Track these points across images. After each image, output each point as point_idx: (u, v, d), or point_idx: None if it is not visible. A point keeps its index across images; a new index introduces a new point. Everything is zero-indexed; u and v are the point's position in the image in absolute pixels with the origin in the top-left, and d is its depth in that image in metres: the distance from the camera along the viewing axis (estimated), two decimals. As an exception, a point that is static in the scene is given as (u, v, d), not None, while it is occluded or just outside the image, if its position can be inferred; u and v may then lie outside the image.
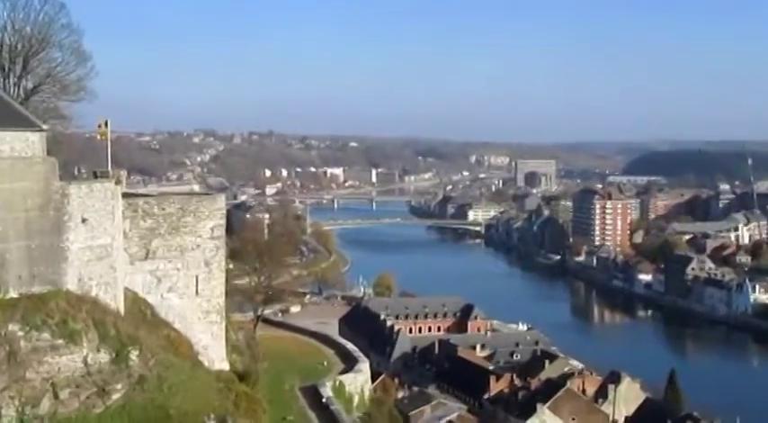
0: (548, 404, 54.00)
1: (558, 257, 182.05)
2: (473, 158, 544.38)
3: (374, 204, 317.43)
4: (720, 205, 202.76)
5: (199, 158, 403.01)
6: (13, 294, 18.11)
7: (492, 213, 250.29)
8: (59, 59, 26.10)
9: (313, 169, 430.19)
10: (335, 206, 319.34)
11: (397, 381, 65.38)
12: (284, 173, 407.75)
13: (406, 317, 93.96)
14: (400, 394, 60.76)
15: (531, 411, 53.30)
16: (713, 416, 56.66)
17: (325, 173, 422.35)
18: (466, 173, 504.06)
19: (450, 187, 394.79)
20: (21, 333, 17.28)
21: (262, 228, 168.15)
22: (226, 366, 24.28)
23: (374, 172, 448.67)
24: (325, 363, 40.05)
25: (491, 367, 70.99)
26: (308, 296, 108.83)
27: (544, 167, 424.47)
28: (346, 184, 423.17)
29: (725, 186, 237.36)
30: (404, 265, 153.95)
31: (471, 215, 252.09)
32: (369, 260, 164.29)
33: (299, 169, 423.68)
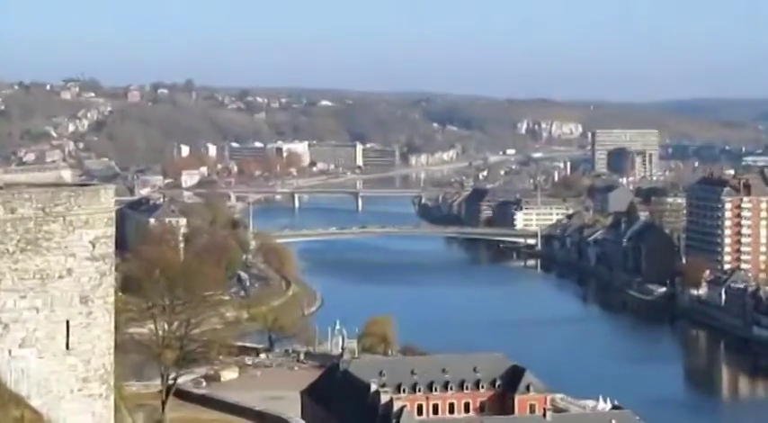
0: None
1: (664, 290, 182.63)
2: (523, 127, 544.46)
3: (360, 202, 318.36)
4: None
5: (71, 127, 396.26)
6: None
7: (554, 217, 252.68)
8: None
9: (259, 144, 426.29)
10: (296, 205, 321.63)
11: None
12: (212, 150, 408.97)
13: (414, 388, 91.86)
14: None
15: None
16: None
17: (279, 151, 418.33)
18: (511, 151, 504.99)
19: (484, 174, 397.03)
20: None
21: (175, 241, 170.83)
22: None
23: (359, 149, 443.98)
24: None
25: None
26: (251, 357, 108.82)
27: (640, 141, 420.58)
28: (315, 169, 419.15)
29: None
30: (409, 304, 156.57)
31: (520, 220, 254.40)
32: (351, 295, 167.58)
33: (235, 144, 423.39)
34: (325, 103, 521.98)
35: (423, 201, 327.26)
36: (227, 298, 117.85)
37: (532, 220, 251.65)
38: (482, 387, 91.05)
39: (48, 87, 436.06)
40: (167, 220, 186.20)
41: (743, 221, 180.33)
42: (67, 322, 23.26)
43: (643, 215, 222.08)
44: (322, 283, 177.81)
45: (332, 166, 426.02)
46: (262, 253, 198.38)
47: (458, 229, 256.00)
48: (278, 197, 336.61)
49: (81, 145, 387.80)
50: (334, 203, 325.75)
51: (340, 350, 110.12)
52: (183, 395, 58.54)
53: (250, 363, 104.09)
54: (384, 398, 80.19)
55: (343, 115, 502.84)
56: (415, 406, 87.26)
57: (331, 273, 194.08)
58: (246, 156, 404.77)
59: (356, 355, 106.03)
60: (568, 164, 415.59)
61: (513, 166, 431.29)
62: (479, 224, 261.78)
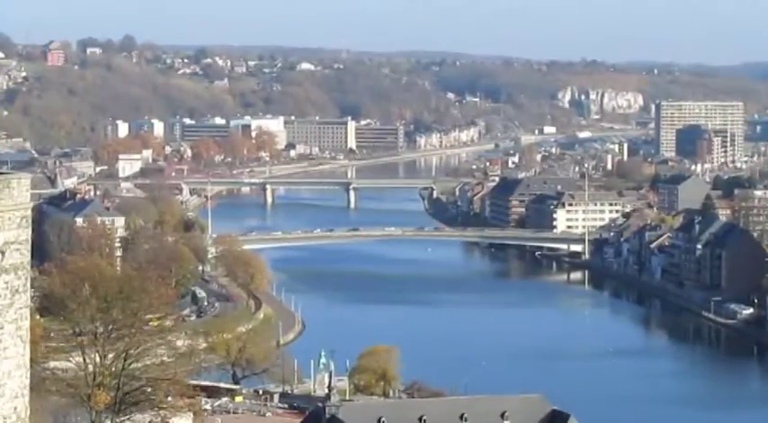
0: None
1: (750, 311, 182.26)
2: (565, 98, 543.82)
3: (352, 196, 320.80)
4: None
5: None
6: None
7: (606, 217, 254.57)
8: None
9: (220, 121, 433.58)
10: (269, 201, 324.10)
11: None
12: (158, 129, 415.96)
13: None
14: None
15: None
16: None
17: (246, 129, 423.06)
18: (550, 129, 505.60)
19: (515, 159, 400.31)
20: None
21: (110, 248, 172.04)
22: None
23: (352, 127, 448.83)
24: None
25: None
26: (210, 399, 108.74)
27: (719, 117, 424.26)
28: (293, 154, 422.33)
29: None
30: (417, 330, 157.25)
31: (562, 221, 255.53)
32: (341, 318, 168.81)
33: (189, 121, 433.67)
34: (306, 66, 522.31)
35: (435, 195, 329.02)
36: (177, 323, 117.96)
37: (578, 220, 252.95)
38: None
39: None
40: (100, 219, 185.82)
41: None
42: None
43: (723, 214, 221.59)
44: (303, 302, 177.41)
45: (315, 150, 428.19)
46: (224, 263, 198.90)
47: (480, 231, 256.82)
48: (245, 190, 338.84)
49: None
50: (318, 198, 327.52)
51: (326, 390, 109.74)
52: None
53: (208, 407, 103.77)
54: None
55: (330, 83, 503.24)
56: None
57: (315, 289, 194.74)
58: (204, 136, 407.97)
59: (347, 397, 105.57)
60: (625, 146, 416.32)
61: (553, 150, 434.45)
62: (508, 226, 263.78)
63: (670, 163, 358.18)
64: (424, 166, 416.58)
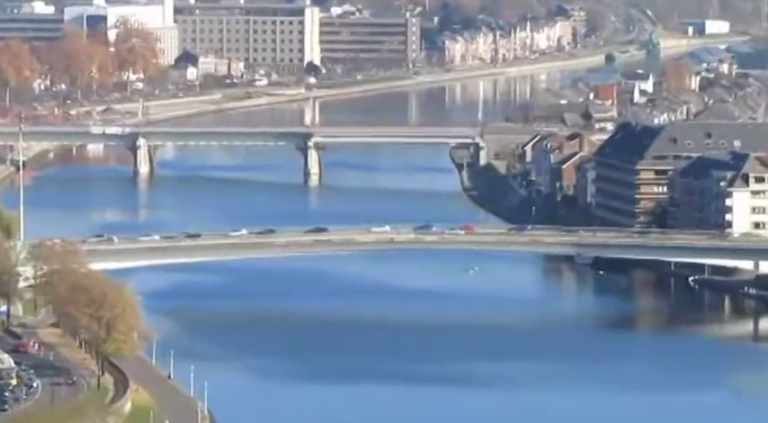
0: None
1: None
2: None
3: (313, 163, 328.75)
4: None
5: None
6: None
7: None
8: None
9: (46, 8, 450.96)
10: (143, 172, 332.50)
11: None
12: None
13: None
14: None
15: None
16: None
17: (98, 24, 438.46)
18: (718, 25, 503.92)
19: (646, 87, 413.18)
20: None
21: None
22: None
23: (313, 20, 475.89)
24: None
25: None
26: None
27: None
28: (191, 75, 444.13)
29: None
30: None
31: (742, 213, 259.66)
32: (289, 413, 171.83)
33: None
34: None
35: (482, 159, 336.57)
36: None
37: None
38: None
39: None
40: None
41: None
42: None
43: None
44: (213, 379, 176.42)
45: (239, 68, 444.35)
46: (52, 299, 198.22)
47: (576, 235, 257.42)
48: (95, 149, 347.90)
49: None
50: (246, 166, 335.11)
51: None
52: None
53: None
54: None
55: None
56: None
57: (237, 353, 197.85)
58: (12, 36, 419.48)
59: None
60: None
61: (724, 68, 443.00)
62: (634, 222, 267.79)
63: None
64: (461, 102, 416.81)
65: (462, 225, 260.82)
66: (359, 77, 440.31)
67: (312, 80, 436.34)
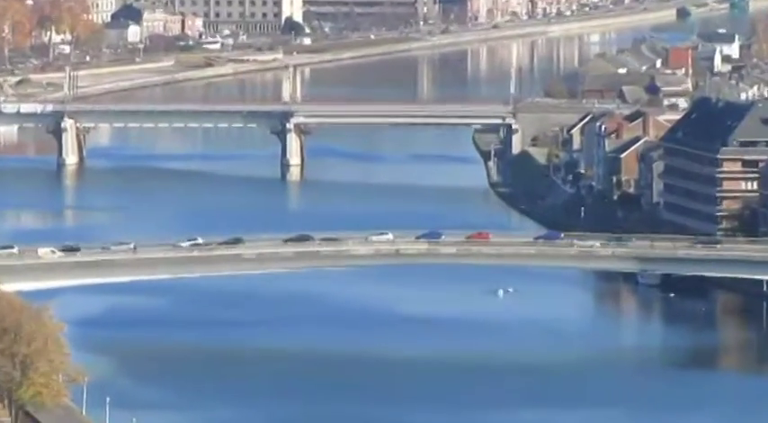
0: None
1: None
2: None
3: (293, 149, 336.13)
4: None
5: None
6: None
7: None
8: None
9: None
10: (70, 162, 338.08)
11: None
12: None
13: None
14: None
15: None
16: None
17: None
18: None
19: (730, 51, 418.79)
20: None
21: None
22: None
23: None
24: None
25: None
26: None
27: None
28: (132, 36, 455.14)
29: None
30: None
31: None
32: None
33: None
34: None
35: (516, 145, 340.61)
36: None
37: None
38: None
39: None
40: None
41: None
42: None
43: None
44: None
45: (197, 25, 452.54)
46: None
47: (640, 247, 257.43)
48: (4, 132, 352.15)
49: None
50: (205, 155, 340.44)
51: None
52: None
53: None
54: None
55: None
56: None
57: (194, 401, 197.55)
58: None
59: None
60: None
61: None
62: (716, 229, 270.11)
63: None
64: (488, 71, 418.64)
65: (473, 233, 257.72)
66: (354, 39, 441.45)
67: (293, 42, 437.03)
